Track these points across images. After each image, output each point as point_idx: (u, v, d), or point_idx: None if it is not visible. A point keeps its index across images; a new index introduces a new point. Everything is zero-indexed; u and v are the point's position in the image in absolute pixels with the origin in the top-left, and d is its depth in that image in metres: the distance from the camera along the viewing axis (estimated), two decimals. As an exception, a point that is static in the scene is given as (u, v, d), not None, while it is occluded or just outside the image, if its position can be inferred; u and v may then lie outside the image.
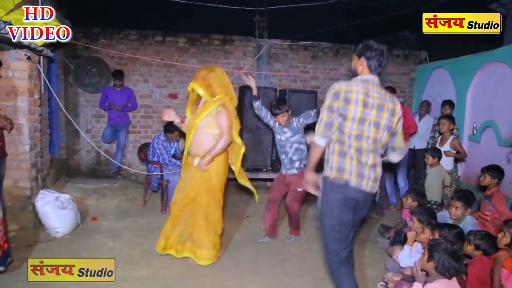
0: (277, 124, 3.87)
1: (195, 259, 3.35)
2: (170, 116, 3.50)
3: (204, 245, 3.33)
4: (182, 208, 3.39)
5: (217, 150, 3.26)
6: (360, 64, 2.36)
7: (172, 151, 5.11)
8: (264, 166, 5.51)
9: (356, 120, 2.25)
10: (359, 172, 2.28)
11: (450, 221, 3.38)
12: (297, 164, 3.88)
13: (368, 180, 2.31)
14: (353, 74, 2.49)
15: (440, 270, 2.22)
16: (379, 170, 2.37)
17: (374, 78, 2.35)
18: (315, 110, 3.78)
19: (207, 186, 3.32)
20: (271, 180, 5.51)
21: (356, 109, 2.24)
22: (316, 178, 2.43)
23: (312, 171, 2.45)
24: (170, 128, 4.93)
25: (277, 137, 3.93)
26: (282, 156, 3.95)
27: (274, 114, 3.78)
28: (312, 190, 2.46)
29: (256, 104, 3.88)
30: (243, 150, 3.51)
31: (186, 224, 3.40)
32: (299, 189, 3.84)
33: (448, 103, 5.20)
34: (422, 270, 2.37)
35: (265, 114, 3.91)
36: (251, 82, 3.79)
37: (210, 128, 3.27)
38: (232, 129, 3.35)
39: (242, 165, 3.63)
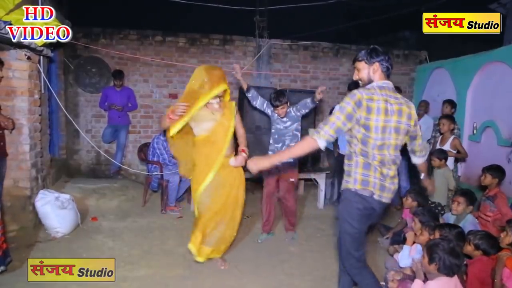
0: (275, 114, 3.91)
1: (216, 255, 3.36)
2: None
3: (229, 240, 3.41)
4: (218, 212, 3.24)
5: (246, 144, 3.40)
6: (375, 71, 2.28)
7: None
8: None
9: (380, 129, 2.19)
10: (381, 185, 2.25)
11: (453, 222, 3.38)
12: None
13: (388, 192, 2.29)
14: (355, 84, 2.47)
15: (443, 270, 2.22)
16: (396, 181, 2.35)
17: (389, 83, 2.30)
18: (310, 98, 3.81)
19: (242, 181, 3.39)
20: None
21: (378, 118, 2.18)
22: (264, 168, 2.35)
23: (278, 161, 2.36)
24: None
25: (276, 126, 3.95)
26: (278, 145, 3.95)
27: (274, 106, 3.82)
28: (254, 170, 2.33)
29: (251, 93, 3.94)
30: None
31: (221, 224, 3.28)
32: (291, 180, 3.91)
33: (448, 102, 5.19)
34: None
35: (261, 102, 3.98)
36: (237, 74, 3.86)
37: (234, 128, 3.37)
38: None
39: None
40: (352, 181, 2.26)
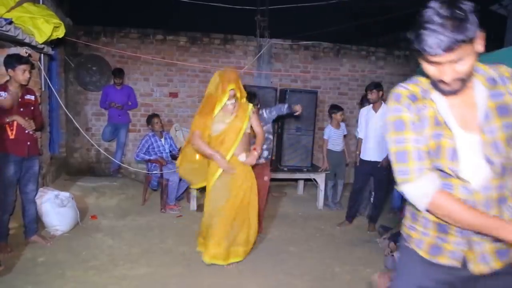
0: None
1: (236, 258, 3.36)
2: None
3: (250, 242, 3.43)
4: (233, 214, 3.26)
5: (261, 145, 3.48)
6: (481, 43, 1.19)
7: (167, 148, 5.10)
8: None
9: None
10: None
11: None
12: (265, 154, 4.04)
13: None
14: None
15: None
16: None
17: None
18: (286, 105, 3.98)
19: (253, 184, 3.42)
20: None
21: None
22: None
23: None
24: (149, 120, 5.09)
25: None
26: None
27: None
28: None
29: None
30: None
31: (241, 227, 3.32)
32: (265, 178, 3.94)
33: None
34: None
35: None
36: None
37: (248, 129, 3.41)
38: None
39: None
40: None
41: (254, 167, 3.90)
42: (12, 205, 3.39)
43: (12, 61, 3.23)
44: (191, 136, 3.33)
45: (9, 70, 3.25)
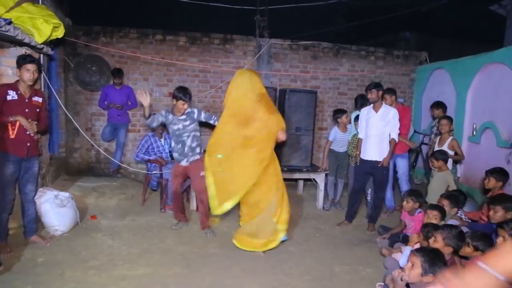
0: (170, 115, 4.03)
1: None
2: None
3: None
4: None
5: None
6: None
7: (167, 148, 5.10)
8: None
9: None
10: None
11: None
12: (198, 150, 4.13)
13: None
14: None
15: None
16: None
17: None
18: (215, 117, 4.09)
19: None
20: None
21: None
22: None
23: None
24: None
25: (173, 127, 4.06)
26: (179, 146, 4.07)
27: (178, 99, 3.93)
28: None
29: (150, 119, 4.09)
30: None
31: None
32: (202, 173, 3.97)
33: (436, 105, 5.12)
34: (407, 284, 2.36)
35: (156, 118, 4.11)
36: (144, 101, 3.95)
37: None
38: None
39: None
40: None
41: (187, 167, 4.10)
42: (11, 204, 3.39)
43: (19, 60, 3.29)
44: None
45: (17, 69, 3.29)
